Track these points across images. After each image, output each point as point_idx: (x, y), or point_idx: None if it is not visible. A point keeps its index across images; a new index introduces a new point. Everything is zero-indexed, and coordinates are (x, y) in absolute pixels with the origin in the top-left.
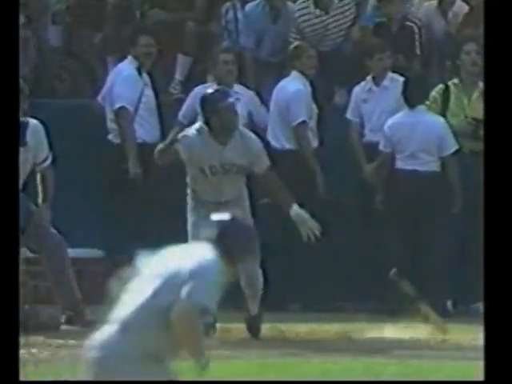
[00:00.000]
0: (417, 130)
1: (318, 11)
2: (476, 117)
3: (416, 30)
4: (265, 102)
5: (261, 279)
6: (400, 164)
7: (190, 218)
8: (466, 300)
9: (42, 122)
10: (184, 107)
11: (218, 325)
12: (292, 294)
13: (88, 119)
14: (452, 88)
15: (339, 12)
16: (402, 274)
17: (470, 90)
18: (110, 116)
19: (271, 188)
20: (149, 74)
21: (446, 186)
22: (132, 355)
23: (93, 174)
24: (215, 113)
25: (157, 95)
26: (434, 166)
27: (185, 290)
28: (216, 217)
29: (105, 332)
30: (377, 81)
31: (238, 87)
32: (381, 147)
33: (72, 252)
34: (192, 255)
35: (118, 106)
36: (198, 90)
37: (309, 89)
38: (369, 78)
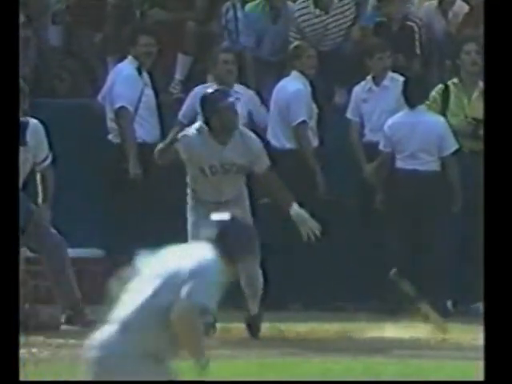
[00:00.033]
0: (417, 129)
1: (317, 11)
2: (476, 116)
3: (416, 30)
4: (265, 102)
5: (261, 279)
6: (400, 164)
7: (190, 218)
8: (465, 300)
9: (42, 121)
10: (184, 107)
11: (217, 325)
12: (292, 294)
13: (88, 119)
14: (452, 88)
15: (339, 12)
16: (402, 273)
17: (470, 90)
18: (110, 116)
19: (271, 188)
20: (149, 73)
21: (446, 186)
22: (132, 355)
23: (93, 173)
24: (215, 112)
25: (157, 95)
26: (434, 166)
27: (185, 290)
28: (216, 216)
29: (105, 332)
30: (377, 80)
31: (238, 87)
32: (381, 147)
33: (72, 252)
34: (192, 255)
35: (118, 105)
36: (198, 90)
37: (309, 88)
38: (369, 77)
